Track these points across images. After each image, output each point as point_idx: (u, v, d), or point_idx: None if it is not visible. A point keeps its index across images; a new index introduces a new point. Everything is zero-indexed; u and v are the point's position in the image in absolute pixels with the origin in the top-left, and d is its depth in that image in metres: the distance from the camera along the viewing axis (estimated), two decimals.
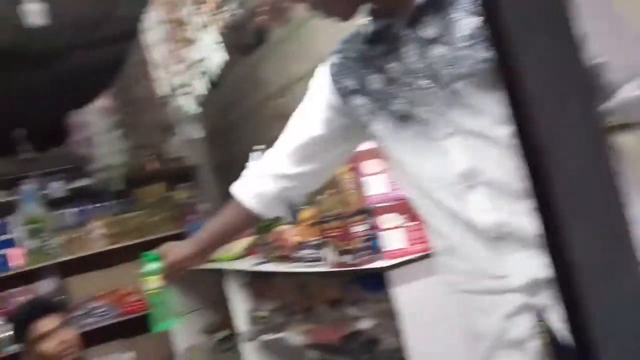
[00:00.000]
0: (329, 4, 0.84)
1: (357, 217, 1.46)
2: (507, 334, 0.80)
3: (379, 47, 0.84)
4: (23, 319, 1.93)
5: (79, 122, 3.46)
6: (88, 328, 3.57)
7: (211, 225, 1.16)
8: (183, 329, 3.07)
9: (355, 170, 1.51)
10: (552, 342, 0.76)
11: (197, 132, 2.20)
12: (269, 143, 1.12)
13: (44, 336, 1.85)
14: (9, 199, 3.66)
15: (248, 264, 2.22)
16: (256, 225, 1.12)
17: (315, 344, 1.91)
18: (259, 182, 1.04)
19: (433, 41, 0.77)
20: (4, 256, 3.57)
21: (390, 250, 1.41)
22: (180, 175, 4.15)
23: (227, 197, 1.16)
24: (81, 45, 2.71)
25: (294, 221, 1.17)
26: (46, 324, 1.86)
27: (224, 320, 2.89)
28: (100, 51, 2.76)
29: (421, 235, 1.36)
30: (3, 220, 3.73)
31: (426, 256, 1.42)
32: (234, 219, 1.10)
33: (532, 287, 0.75)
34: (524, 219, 0.72)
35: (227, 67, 1.90)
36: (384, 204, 1.43)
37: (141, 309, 3.39)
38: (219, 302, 3.02)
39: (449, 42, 0.76)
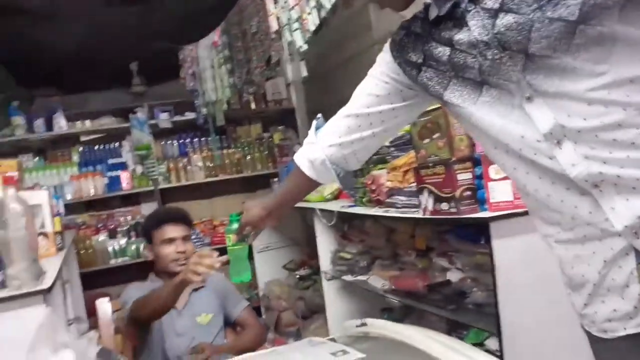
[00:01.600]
0: None
1: (464, 165, 1.42)
2: (609, 280, 0.78)
3: (444, 23, 0.85)
4: (154, 221, 2.13)
5: (189, 57, 3.64)
6: None
7: (280, 189, 1.28)
8: (267, 263, 3.24)
9: None
10: None
11: (302, 70, 2.21)
12: None
13: (168, 241, 2.04)
14: (122, 125, 4.00)
15: (337, 206, 2.28)
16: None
17: (398, 290, 1.92)
18: (311, 149, 1.12)
19: (499, 10, 0.77)
20: (117, 177, 3.95)
21: (495, 202, 1.37)
22: (278, 116, 4.26)
23: None
24: None
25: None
26: (172, 230, 2.06)
27: (308, 258, 3.00)
28: None
29: None
30: (117, 145, 4.11)
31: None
32: (297, 183, 1.20)
33: (634, 229, 0.73)
34: (617, 165, 0.72)
35: (335, 8, 1.87)
36: None
37: None
38: (304, 241, 3.14)
39: (515, 8, 0.75)
